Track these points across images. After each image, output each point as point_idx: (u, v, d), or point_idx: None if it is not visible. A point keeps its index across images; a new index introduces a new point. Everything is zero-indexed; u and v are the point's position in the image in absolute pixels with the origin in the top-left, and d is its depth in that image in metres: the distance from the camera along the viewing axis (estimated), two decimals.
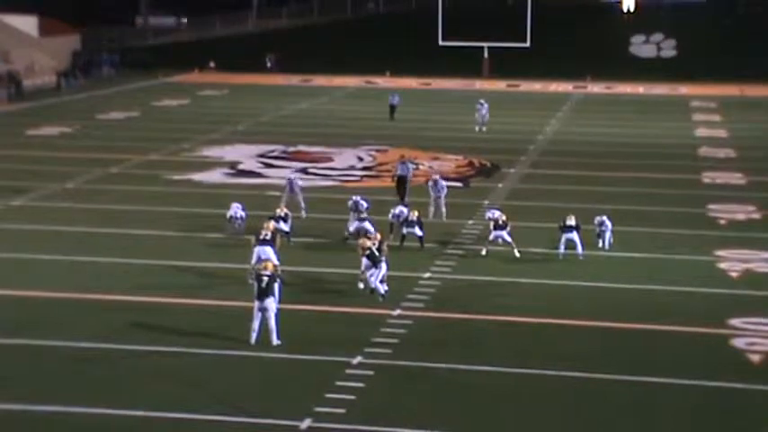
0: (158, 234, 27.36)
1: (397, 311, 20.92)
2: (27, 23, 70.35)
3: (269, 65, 73.99)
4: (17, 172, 35.81)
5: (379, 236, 22.87)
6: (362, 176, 35.93)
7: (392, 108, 50.05)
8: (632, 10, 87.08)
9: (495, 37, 70.71)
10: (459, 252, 25.79)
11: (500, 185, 34.48)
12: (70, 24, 74.66)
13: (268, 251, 22.39)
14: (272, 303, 18.78)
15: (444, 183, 29.91)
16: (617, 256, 25.61)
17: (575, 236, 25.07)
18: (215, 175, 35.83)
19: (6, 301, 21.56)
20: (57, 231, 27.54)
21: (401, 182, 31.19)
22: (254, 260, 22.14)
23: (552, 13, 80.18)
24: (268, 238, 22.79)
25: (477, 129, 45.97)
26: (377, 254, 21.73)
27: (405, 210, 26.53)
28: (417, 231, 25.81)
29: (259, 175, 36.22)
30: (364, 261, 21.91)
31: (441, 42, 71.84)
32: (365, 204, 27.01)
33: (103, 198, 31.80)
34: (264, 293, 18.71)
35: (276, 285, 18.93)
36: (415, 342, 19.30)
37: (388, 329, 19.82)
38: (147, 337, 19.33)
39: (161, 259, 24.71)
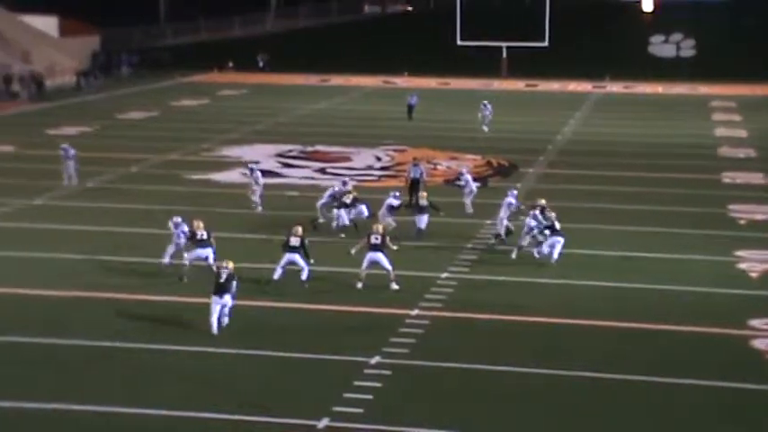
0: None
1: (415, 311, 20.90)
2: (47, 24, 70.72)
3: (261, 64, 74.35)
4: (38, 171, 35.96)
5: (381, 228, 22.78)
6: (380, 176, 35.92)
7: (410, 108, 50.05)
8: (651, 10, 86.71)
9: (513, 37, 70.60)
10: (477, 252, 25.74)
11: (518, 185, 34.32)
12: (90, 25, 74.97)
13: (297, 258, 22.34)
14: (228, 299, 19.41)
15: (469, 177, 30.55)
16: (636, 256, 25.50)
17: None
18: (234, 175, 35.89)
19: (26, 299, 21.65)
20: (77, 231, 27.64)
21: (414, 184, 31.21)
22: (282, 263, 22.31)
23: (571, 13, 80.00)
24: (297, 245, 22.44)
25: (484, 129, 45.89)
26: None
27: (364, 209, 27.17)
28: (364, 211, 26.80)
29: (277, 174, 36.26)
30: (367, 258, 22.04)
31: (459, 42, 71.79)
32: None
33: (123, 197, 31.90)
34: (224, 289, 19.26)
35: (234, 283, 19.38)
36: (433, 342, 19.27)
37: (406, 329, 19.80)
38: (167, 336, 19.36)
39: (180, 258, 24.71)
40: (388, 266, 22.16)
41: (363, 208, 27.33)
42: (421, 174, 31.17)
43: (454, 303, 21.54)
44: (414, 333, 19.63)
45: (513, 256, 25.06)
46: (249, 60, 73.79)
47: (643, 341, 19.62)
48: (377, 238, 22.13)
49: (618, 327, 20.33)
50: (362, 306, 21.33)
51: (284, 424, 15.66)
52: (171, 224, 23.65)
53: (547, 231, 24.59)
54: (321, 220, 28.13)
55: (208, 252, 22.90)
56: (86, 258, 24.78)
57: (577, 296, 22.39)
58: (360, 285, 22.28)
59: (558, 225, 24.62)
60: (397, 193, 27.76)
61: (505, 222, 26.46)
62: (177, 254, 23.50)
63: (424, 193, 27.73)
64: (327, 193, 28.49)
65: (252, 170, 30.96)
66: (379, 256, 22.08)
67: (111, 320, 20.33)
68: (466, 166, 33.09)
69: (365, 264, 22.18)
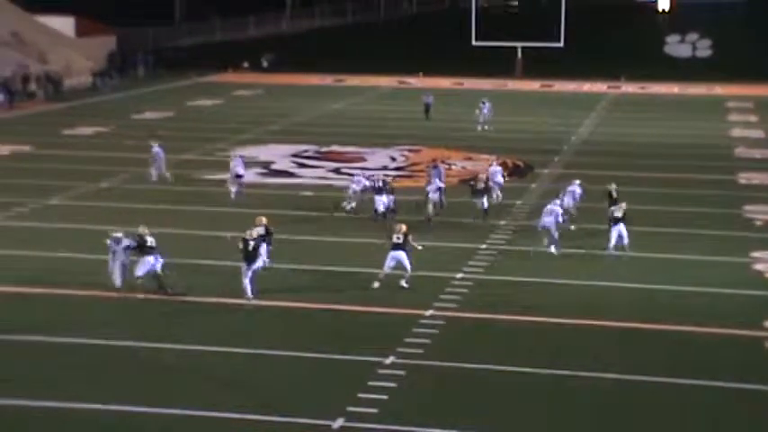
0: (192, 233, 27.47)
1: (430, 312, 20.88)
2: (64, 24, 71.00)
3: (265, 64, 74.48)
4: (53, 171, 36.10)
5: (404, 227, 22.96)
6: (395, 176, 35.87)
7: (427, 107, 50.27)
8: (667, 9, 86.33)
9: (528, 37, 70.50)
10: (493, 252, 25.69)
11: (533, 185, 34.32)
12: (106, 25, 75.22)
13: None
14: (260, 263, 21.26)
15: (498, 168, 32.20)
16: (651, 257, 25.41)
17: (622, 228, 24.89)
18: (249, 175, 35.86)
19: (45, 298, 21.71)
20: (92, 230, 27.68)
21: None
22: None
23: (586, 13, 79.71)
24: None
25: (479, 128, 46.03)
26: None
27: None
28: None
29: (292, 174, 36.29)
30: (390, 257, 22.30)
31: (474, 42, 71.72)
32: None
33: (138, 197, 31.97)
34: (254, 257, 21.00)
35: (264, 245, 21.48)
36: (448, 342, 19.25)
37: (421, 329, 19.79)
38: (180, 335, 19.40)
39: (193, 258, 24.79)
40: (408, 266, 22.35)
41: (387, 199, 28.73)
42: (440, 175, 31.11)
43: (469, 304, 21.51)
44: (428, 333, 19.61)
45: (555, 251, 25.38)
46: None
47: (658, 342, 19.55)
48: (399, 238, 22.42)
49: (633, 327, 20.25)
50: (377, 306, 21.33)
51: (299, 424, 15.67)
52: (110, 242, 22.04)
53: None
54: (351, 206, 29.45)
55: (156, 259, 21.75)
56: (100, 258, 24.80)
57: (593, 297, 22.33)
58: (376, 285, 22.30)
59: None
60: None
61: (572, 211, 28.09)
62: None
63: (483, 176, 29.29)
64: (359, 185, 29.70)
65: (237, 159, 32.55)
66: (401, 255, 22.32)
67: (123, 320, 20.36)
68: (497, 170, 32.22)
69: (387, 262, 22.37)
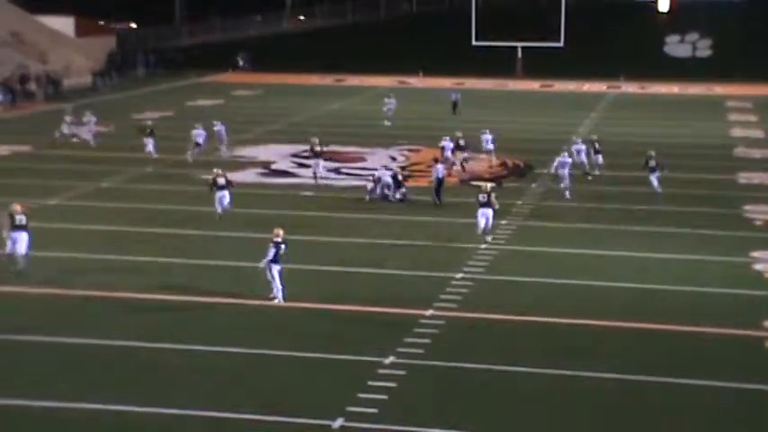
0: (192, 233, 27.47)
1: (430, 312, 20.87)
2: (64, 24, 71.03)
3: (241, 63, 74.71)
4: (53, 171, 36.11)
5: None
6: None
7: (454, 105, 52.01)
8: (667, 10, 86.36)
9: (528, 37, 70.52)
10: (493, 252, 25.69)
11: (534, 186, 34.31)
12: (106, 25, 75.26)
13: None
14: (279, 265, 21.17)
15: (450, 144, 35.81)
16: (651, 257, 25.41)
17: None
18: (249, 175, 35.93)
19: (40, 299, 21.71)
20: (91, 230, 27.73)
21: (438, 183, 31.27)
22: None
23: (586, 13, 79.76)
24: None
25: (385, 123, 47.70)
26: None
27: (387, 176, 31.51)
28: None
29: (292, 174, 36.28)
30: (479, 213, 25.55)
31: (474, 42, 71.73)
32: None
33: (138, 197, 31.98)
34: (280, 258, 21.07)
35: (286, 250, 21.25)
36: (448, 342, 19.24)
37: (421, 330, 19.78)
38: (179, 335, 19.39)
39: (194, 258, 24.81)
40: (491, 222, 25.80)
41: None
42: (442, 173, 31.28)
43: (469, 304, 21.51)
44: (428, 333, 19.60)
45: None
46: (264, 60, 73.90)
47: (658, 342, 19.54)
48: (484, 197, 25.66)
49: (634, 327, 20.24)
50: (377, 306, 21.33)
51: (299, 424, 15.66)
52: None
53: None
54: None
55: (23, 236, 23.00)
56: (99, 258, 24.85)
57: (593, 297, 22.32)
58: (484, 246, 25.61)
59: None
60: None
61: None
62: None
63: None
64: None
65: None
66: (489, 212, 25.66)
67: (123, 320, 20.36)
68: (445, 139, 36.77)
69: (479, 219, 25.69)
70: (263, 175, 36.23)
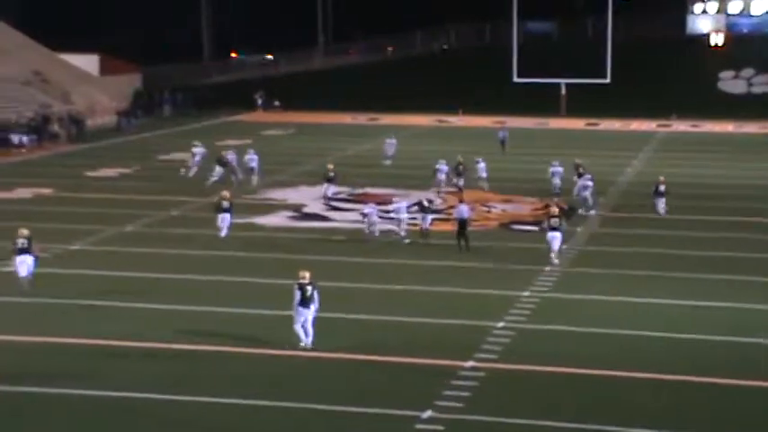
0: (218, 279, 27.59)
1: (470, 363, 20.78)
2: (88, 62, 72.11)
3: (259, 102, 75.34)
4: (75, 215, 36.47)
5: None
6: (433, 219, 35.79)
7: (503, 142, 53.07)
8: (720, 44, 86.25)
9: (573, 73, 70.60)
10: (536, 300, 25.61)
11: (578, 229, 34.21)
12: (132, 63, 76.26)
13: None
14: (313, 309, 21.33)
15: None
16: (699, 305, 25.20)
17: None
18: (279, 219, 36.10)
19: (47, 347, 21.80)
20: (114, 277, 27.90)
21: (461, 225, 31.27)
22: None
23: (634, 47, 79.82)
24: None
25: (386, 162, 49.19)
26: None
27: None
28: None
29: (324, 218, 36.42)
30: (551, 237, 28.88)
31: (515, 79, 71.92)
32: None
33: (163, 242, 32.20)
34: (309, 301, 21.25)
35: (316, 293, 21.39)
36: (489, 396, 19.13)
37: (460, 382, 19.69)
38: (194, 388, 19.36)
39: (218, 306, 24.86)
40: (561, 244, 29.15)
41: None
42: (467, 214, 31.42)
43: (511, 354, 21.39)
44: (468, 386, 19.50)
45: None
46: (296, 99, 74.51)
47: (703, 396, 19.30)
48: (555, 221, 28.94)
49: (680, 380, 20.01)
50: (414, 357, 21.26)
51: None
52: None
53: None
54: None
55: (26, 259, 25.58)
56: (122, 306, 24.98)
57: (639, 347, 22.12)
58: (556, 261, 28.80)
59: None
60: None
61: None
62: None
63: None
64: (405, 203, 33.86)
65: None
66: (558, 235, 28.96)
67: (142, 370, 20.38)
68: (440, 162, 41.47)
69: (550, 240, 28.98)
70: (293, 218, 36.39)
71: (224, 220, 32.12)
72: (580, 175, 38.63)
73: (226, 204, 32.34)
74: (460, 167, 40.90)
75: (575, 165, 39.92)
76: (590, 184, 37.24)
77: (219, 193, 33.59)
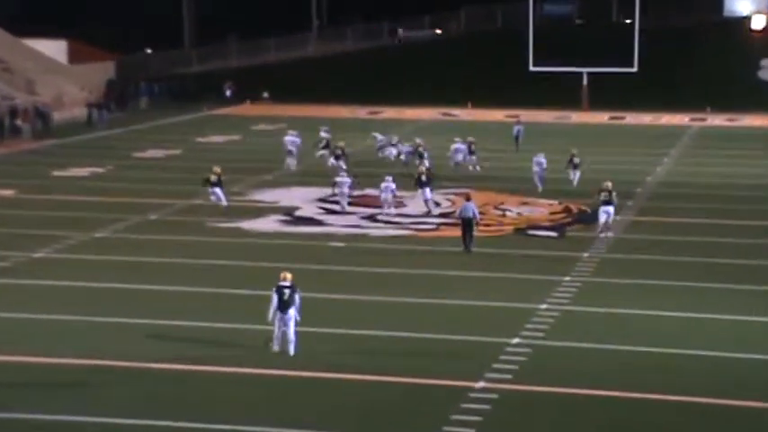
0: (201, 291, 27.57)
1: (481, 384, 20.77)
2: (56, 49, 72.07)
3: (228, 93, 75.43)
4: (41, 219, 36.47)
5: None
6: (439, 224, 35.88)
7: (516, 138, 53.70)
8: (762, 28, 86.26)
9: (596, 61, 70.54)
10: (554, 314, 25.60)
11: (602, 235, 34.19)
12: (104, 50, 76.23)
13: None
14: (293, 314, 21.86)
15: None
16: (739, 319, 25.19)
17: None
18: (268, 223, 36.10)
19: (26, 367, 21.79)
20: (83, 288, 27.89)
21: (467, 225, 31.37)
22: None
23: (664, 33, 79.89)
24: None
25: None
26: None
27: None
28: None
29: (319, 222, 36.41)
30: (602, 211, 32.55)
31: (531, 68, 71.92)
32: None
33: (139, 249, 32.19)
34: (287, 305, 21.74)
35: (297, 297, 21.89)
36: (501, 419, 19.14)
37: (471, 405, 19.69)
38: (180, 408, 19.38)
39: (201, 321, 24.84)
40: (612, 218, 32.79)
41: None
42: (473, 213, 31.51)
43: (526, 374, 21.38)
44: (479, 410, 19.49)
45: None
46: (288, 89, 74.55)
47: (744, 423, 19.29)
48: (606, 195, 32.46)
49: (715, 404, 19.98)
50: (420, 377, 21.25)
51: None
52: None
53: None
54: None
55: None
56: (91, 320, 24.97)
57: (669, 366, 22.07)
58: (600, 229, 32.75)
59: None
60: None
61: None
62: None
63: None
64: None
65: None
66: (610, 209, 32.61)
67: (117, 391, 20.40)
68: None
69: (600, 215, 32.59)
70: (284, 223, 36.38)
71: (214, 194, 36.71)
72: (575, 166, 42.35)
73: (214, 178, 36.75)
74: (420, 149, 45.05)
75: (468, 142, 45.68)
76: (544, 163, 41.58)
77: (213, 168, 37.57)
